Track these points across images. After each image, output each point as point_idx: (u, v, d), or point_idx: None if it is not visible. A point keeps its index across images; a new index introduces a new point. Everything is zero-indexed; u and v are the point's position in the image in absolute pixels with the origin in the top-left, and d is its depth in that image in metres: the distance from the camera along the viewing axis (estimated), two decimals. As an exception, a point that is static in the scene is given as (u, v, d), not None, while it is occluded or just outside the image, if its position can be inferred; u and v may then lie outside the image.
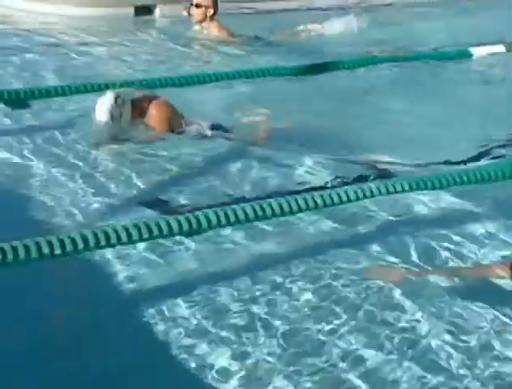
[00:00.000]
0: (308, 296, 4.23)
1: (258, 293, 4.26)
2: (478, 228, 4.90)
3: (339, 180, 5.75)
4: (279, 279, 4.38)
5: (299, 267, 4.51)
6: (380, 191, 5.20)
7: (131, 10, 9.54)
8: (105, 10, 9.44)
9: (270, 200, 4.96)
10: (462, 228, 4.96)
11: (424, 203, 5.36)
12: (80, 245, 4.17)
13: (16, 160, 5.91)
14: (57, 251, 4.05)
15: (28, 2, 9.45)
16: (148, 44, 9.25)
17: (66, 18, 9.33)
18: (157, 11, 9.70)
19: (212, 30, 8.97)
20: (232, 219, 4.67)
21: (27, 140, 6.17)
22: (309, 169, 6.01)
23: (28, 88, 6.88)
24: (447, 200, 5.33)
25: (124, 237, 4.32)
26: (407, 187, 5.31)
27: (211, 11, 8.94)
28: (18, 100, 6.74)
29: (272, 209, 4.81)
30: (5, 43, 8.68)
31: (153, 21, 9.75)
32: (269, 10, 10.87)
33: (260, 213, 4.80)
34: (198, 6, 8.93)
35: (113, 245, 4.37)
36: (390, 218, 5.11)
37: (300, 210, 4.88)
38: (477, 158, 6.08)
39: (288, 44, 9.49)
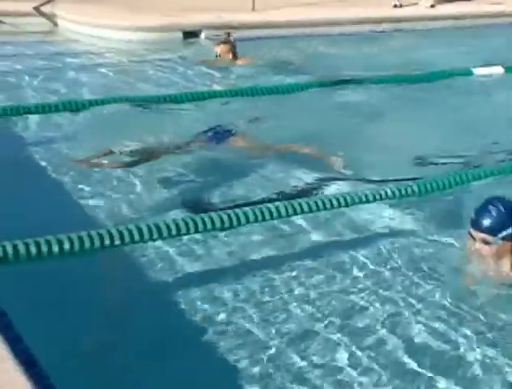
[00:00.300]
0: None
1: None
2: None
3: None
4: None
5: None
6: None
7: (180, 35, 9.85)
8: (159, 35, 9.80)
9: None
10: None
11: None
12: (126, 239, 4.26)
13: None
14: (107, 242, 4.15)
15: (96, 28, 9.70)
16: (193, 63, 9.28)
17: (125, 42, 9.59)
18: (202, 35, 9.95)
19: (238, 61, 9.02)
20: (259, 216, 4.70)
21: (86, 141, 6.23)
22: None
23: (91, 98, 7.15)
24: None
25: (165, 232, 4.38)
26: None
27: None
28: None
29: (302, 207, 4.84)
30: (76, 62, 8.78)
31: (199, 43, 9.89)
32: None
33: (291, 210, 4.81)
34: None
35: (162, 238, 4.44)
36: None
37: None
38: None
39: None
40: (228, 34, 9.72)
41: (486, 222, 3.77)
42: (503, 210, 3.80)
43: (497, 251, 3.78)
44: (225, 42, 8.94)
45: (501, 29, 11.77)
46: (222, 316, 3.85)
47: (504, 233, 3.75)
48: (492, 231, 3.76)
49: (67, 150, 6.08)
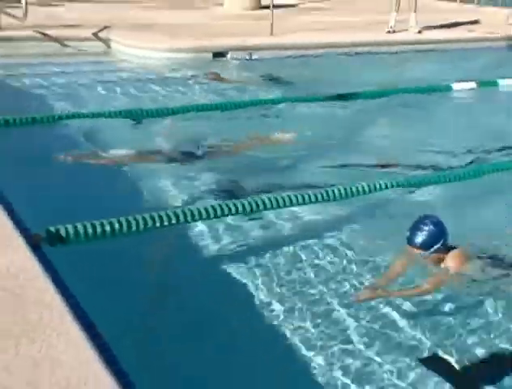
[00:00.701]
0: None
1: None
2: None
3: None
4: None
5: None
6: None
7: (210, 55, 9.88)
8: (194, 55, 9.83)
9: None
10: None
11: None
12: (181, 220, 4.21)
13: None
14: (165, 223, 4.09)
15: (142, 50, 9.79)
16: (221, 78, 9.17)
17: (165, 60, 9.63)
18: (229, 55, 9.96)
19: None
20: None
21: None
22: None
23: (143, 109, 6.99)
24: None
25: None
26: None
27: None
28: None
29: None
30: (126, 77, 8.81)
31: (226, 61, 9.91)
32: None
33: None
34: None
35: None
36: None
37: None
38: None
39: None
40: (250, 54, 9.89)
41: (418, 239, 3.90)
42: (433, 228, 3.93)
43: (432, 259, 3.96)
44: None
45: (473, 51, 11.78)
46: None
47: (435, 247, 3.89)
48: (425, 246, 3.89)
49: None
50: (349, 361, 3.23)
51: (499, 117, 8.03)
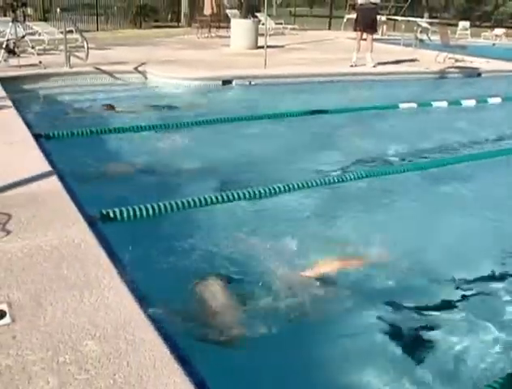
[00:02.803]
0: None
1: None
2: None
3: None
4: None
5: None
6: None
7: (220, 82, 9.79)
8: (208, 82, 9.78)
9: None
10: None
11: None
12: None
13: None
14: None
15: (171, 79, 9.72)
16: (229, 98, 9.48)
17: (187, 86, 9.59)
18: (233, 82, 9.85)
19: None
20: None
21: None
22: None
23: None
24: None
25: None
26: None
27: None
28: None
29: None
30: (161, 101, 8.66)
31: (232, 87, 9.79)
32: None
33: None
34: None
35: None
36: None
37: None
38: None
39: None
40: (250, 81, 9.84)
41: None
42: None
43: None
44: None
45: (413, 81, 11.82)
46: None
47: None
48: None
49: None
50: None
51: (432, 126, 8.28)
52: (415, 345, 3.03)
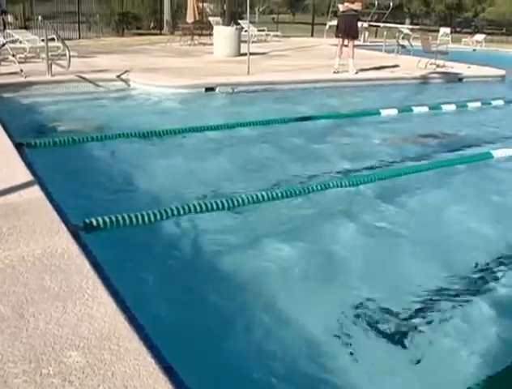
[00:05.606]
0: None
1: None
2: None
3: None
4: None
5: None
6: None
7: (203, 90, 9.83)
8: (191, 90, 9.78)
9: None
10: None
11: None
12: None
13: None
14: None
15: (154, 87, 9.72)
16: (212, 106, 9.44)
17: (171, 94, 9.56)
18: (217, 89, 9.88)
19: None
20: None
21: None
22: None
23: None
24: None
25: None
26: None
27: None
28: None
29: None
30: (143, 107, 8.70)
31: (215, 94, 9.82)
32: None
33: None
34: None
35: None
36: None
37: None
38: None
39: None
40: (233, 88, 9.85)
41: None
42: None
43: None
44: None
45: (394, 86, 11.92)
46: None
47: None
48: None
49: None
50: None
51: (412, 129, 8.45)
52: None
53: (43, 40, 10.24)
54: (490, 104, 10.44)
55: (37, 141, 5.83)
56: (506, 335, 3.10)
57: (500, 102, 10.56)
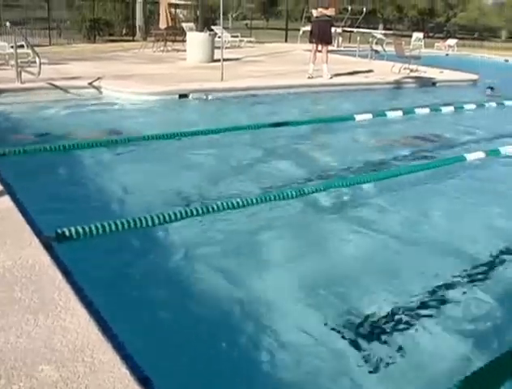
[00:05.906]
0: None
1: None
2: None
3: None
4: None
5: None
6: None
7: (177, 96, 9.80)
8: (164, 96, 9.74)
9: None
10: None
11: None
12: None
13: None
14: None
15: (127, 93, 9.66)
16: (185, 112, 9.42)
17: (144, 101, 9.50)
18: (190, 96, 9.87)
19: None
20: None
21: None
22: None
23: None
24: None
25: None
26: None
27: None
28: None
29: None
30: (114, 114, 8.64)
31: (188, 100, 9.80)
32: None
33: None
34: None
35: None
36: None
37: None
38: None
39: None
40: (207, 95, 9.85)
41: None
42: None
43: None
44: None
45: (369, 91, 12.07)
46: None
47: None
48: None
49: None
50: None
51: (386, 134, 8.53)
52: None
53: (12, 47, 10.15)
54: (463, 108, 10.61)
55: (6, 149, 5.70)
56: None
57: (472, 106, 10.73)
